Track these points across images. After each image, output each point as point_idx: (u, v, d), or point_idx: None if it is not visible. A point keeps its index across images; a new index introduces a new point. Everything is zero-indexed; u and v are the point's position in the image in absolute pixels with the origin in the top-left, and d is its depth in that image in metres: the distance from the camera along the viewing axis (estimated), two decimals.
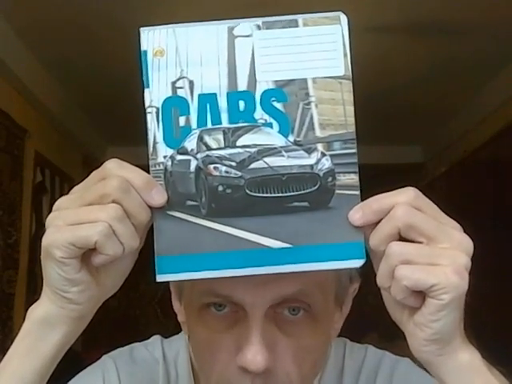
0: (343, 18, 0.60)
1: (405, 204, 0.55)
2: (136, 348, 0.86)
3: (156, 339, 0.88)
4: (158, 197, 0.58)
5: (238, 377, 0.66)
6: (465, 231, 0.57)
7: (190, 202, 0.60)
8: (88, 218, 0.55)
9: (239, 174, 0.60)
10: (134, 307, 4.58)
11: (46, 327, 0.59)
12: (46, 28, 2.61)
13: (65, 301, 0.58)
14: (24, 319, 0.61)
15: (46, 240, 0.56)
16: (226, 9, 2.37)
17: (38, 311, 0.60)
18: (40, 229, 3.26)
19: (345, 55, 0.60)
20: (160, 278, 0.59)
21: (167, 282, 0.79)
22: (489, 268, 3.23)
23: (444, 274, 0.53)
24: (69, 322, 0.59)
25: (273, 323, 0.66)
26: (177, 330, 0.87)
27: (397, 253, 0.54)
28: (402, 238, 0.56)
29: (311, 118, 0.60)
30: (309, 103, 0.60)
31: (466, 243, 0.56)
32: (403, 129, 3.86)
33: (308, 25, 0.60)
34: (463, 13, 2.46)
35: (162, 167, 0.60)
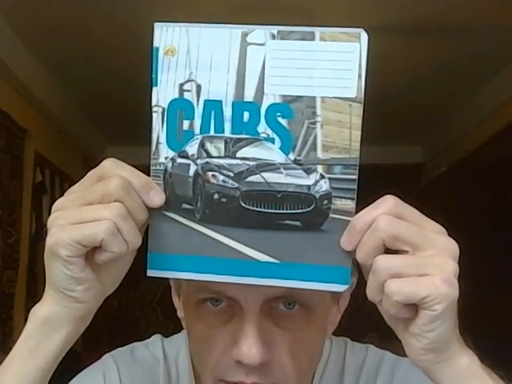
0: (363, 36, 0.57)
1: (386, 214, 0.55)
2: (137, 347, 0.87)
3: (157, 338, 0.88)
4: (156, 198, 0.59)
5: (233, 370, 0.67)
6: (450, 233, 0.56)
7: (185, 205, 0.61)
8: (92, 217, 0.55)
9: (236, 185, 0.60)
10: (134, 307, 4.59)
11: (49, 327, 0.59)
12: (46, 28, 2.61)
13: (70, 300, 0.58)
14: (24, 319, 0.61)
15: (51, 239, 0.56)
16: (225, 9, 2.37)
17: (42, 311, 0.60)
18: (40, 229, 3.27)
19: (359, 77, 0.57)
20: (150, 273, 0.61)
21: (168, 281, 0.80)
22: (488, 268, 3.23)
23: (434, 285, 0.53)
24: (72, 322, 0.60)
25: (268, 317, 0.67)
26: (177, 330, 0.88)
27: (384, 267, 0.54)
28: (387, 249, 0.55)
29: (315, 139, 0.59)
30: (314, 123, 0.59)
31: (452, 247, 0.55)
32: (403, 129, 3.86)
33: (325, 39, 0.57)
34: (463, 13, 2.46)
35: (162, 168, 0.61)
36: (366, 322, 2.82)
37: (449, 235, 0.57)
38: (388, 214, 0.55)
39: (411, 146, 4.35)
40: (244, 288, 0.65)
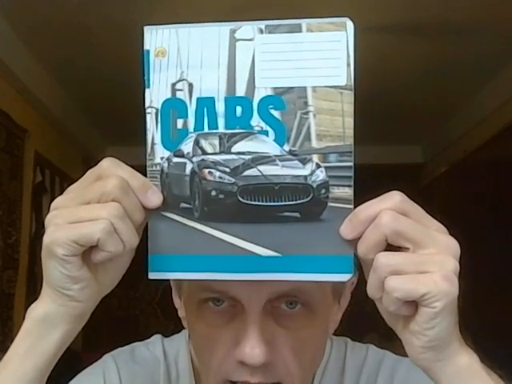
0: (349, 25, 0.58)
1: (390, 210, 0.55)
2: (137, 347, 0.87)
3: (157, 338, 0.88)
4: (153, 198, 0.58)
5: (236, 370, 0.67)
6: (450, 233, 0.56)
7: (183, 205, 0.61)
8: (89, 216, 0.55)
9: (232, 180, 0.60)
10: (134, 307, 4.59)
11: (46, 326, 0.59)
12: (46, 28, 2.61)
13: (66, 299, 0.58)
14: (24, 319, 0.61)
15: (48, 238, 0.56)
16: (226, 9, 2.37)
17: (39, 310, 0.60)
18: (40, 229, 3.27)
19: (348, 64, 0.58)
20: (152, 276, 0.60)
21: (167, 281, 0.79)
22: (488, 268, 3.23)
23: (434, 282, 0.53)
24: (69, 320, 0.60)
25: (270, 317, 0.67)
26: (177, 330, 0.88)
27: (385, 264, 0.54)
28: (388, 245, 0.55)
29: (308, 128, 0.59)
30: (307, 113, 0.59)
31: (453, 246, 0.55)
32: (403, 129, 3.87)
33: (312, 30, 0.58)
34: (463, 13, 2.46)
35: (158, 168, 0.61)
36: (365, 322, 2.82)
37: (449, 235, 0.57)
38: (393, 209, 0.55)
39: (411, 145, 4.35)
40: (247, 288, 0.65)
